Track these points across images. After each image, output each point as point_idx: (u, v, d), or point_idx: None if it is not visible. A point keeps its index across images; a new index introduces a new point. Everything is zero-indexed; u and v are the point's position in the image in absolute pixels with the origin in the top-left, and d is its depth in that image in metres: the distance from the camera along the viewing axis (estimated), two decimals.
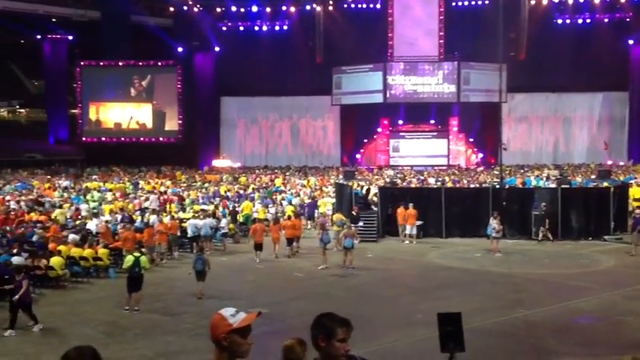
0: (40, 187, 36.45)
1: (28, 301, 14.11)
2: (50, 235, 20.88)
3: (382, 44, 53.16)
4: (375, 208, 27.21)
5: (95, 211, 27.27)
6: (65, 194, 33.40)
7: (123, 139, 56.05)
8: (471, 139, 55.38)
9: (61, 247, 19.23)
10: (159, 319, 14.74)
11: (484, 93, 49.83)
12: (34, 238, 20.81)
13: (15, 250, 18.15)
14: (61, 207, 28.26)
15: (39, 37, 55.36)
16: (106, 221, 24.33)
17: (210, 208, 27.55)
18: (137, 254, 15.84)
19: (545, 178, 36.93)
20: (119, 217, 25.30)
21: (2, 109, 60.20)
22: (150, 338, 13.13)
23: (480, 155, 55.11)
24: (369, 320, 13.88)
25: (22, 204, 29.01)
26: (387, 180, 37.80)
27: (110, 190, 35.04)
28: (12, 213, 25.72)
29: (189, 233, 23.47)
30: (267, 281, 19.04)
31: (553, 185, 31.24)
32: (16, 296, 13.70)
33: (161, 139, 56.24)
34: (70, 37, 55.78)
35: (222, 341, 3.16)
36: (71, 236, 20.55)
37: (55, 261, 17.91)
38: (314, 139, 58.02)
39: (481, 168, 50.32)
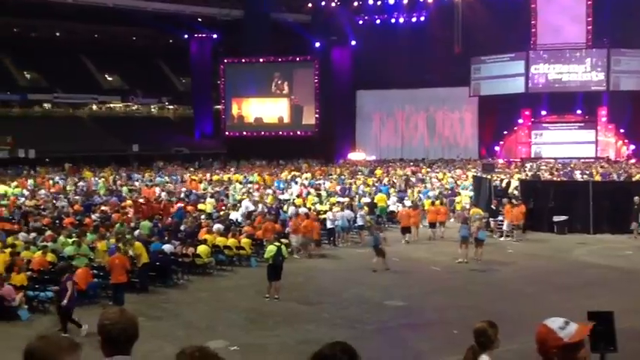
0: (186, 180, 38.48)
1: (70, 306, 12.97)
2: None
3: (524, 32, 51.30)
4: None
5: (236, 202, 28.31)
6: (210, 186, 34.99)
7: (263, 133, 57.99)
8: (622, 130, 52.03)
9: (207, 236, 20.18)
10: (298, 308, 15.06)
11: (636, 81, 46.83)
12: (182, 227, 22.02)
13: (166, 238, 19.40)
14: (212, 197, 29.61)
15: (186, 36, 58.46)
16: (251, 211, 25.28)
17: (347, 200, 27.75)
18: (277, 244, 16.29)
19: None
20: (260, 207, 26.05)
21: (153, 106, 64.12)
22: (290, 326, 13.45)
23: (632, 147, 51.69)
24: (511, 318, 13.38)
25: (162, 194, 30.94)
26: (531, 172, 36.44)
27: (251, 183, 36.40)
28: (163, 203, 27.23)
29: (328, 225, 23.83)
30: (405, 274, 18.91)
31: None
32: (65, 301, 12.86)
33: (299, 132, 57.59)
34: (215, 36, 58.48)
35: (553, 356, 2.92)
36: (216, 226, 21.51)
37: (202, 249, 18.83)
38: (451, 131, 57.05)
39: (633, 160, 47.21)
